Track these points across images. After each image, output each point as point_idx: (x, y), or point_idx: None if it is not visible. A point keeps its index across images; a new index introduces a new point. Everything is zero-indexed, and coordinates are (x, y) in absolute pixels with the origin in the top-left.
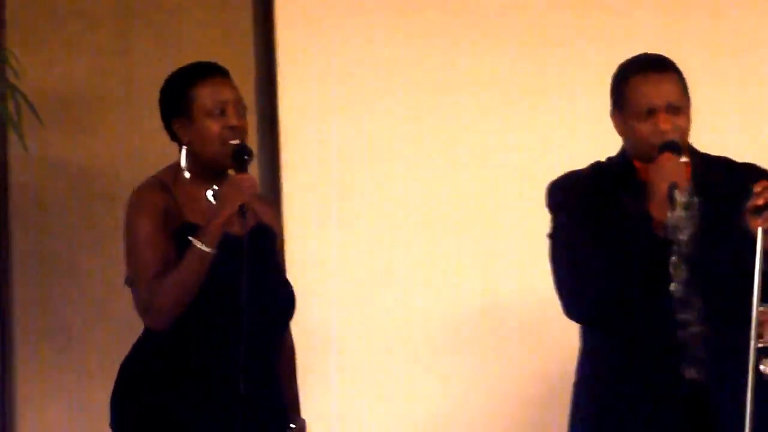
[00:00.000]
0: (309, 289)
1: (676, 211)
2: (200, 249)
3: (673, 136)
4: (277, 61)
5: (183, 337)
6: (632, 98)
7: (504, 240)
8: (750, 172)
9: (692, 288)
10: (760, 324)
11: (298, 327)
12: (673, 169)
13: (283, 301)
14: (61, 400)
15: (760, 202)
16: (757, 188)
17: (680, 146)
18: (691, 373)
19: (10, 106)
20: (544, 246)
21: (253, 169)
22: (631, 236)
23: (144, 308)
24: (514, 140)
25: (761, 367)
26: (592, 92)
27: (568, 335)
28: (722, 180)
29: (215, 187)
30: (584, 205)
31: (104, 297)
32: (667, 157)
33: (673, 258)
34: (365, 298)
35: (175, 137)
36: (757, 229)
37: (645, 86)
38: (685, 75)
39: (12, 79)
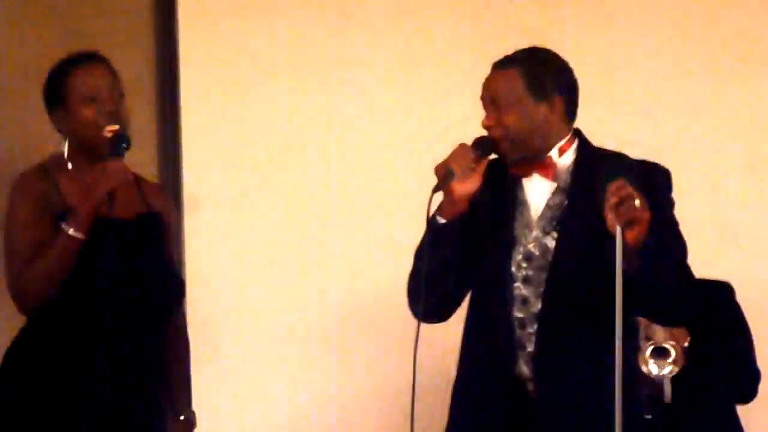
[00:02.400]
0: (205, 280)
1: (533, 206)
2: (69, 234)
3: (491, 134)
4: (178, 48)
5: (55, 322)
6: None
7: (388, 235)
8: (648, 171)
9: (534, 288)
10: (646, 326)
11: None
12: (456, 155)
13: (166, 288)
14: None
15: (613, 200)
16: (612, 187)
17: (483, 143)
18: (522, 371)
19: None
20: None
21: (153, 157)
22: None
23: (15, 292)
24: (394, 136)
25: (645, 367)
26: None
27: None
28: (601, 177)
29: None
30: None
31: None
32: (459, 146)
33: (518, 257)
34: (257, 290)
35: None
36: (614, 229)
37: (483, 83)
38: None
39: None
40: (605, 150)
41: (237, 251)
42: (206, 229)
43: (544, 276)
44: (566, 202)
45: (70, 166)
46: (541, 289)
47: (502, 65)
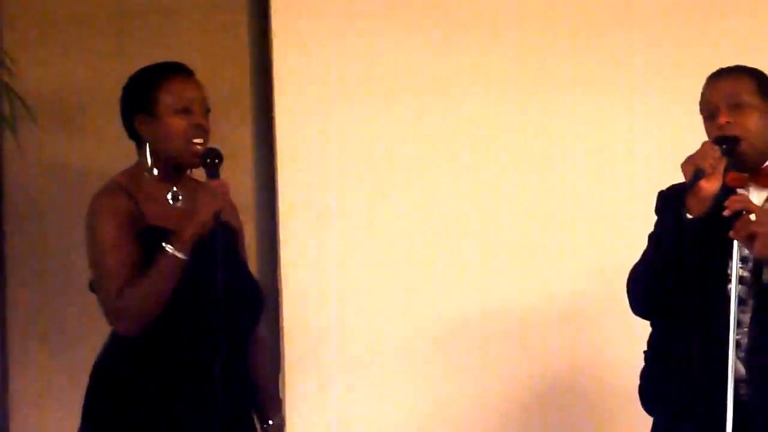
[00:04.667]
0: (306, 290)
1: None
2: (174, 255)
3: (729, 131)
4: (273, 62)
5: (155, 337)
6: (702, 100)
7: (501, 244)
8: None
9: (750, 288)
10: None
11: (295, 327)
12: (702, 154)
13: (253, 296)
14: (55, 400)
15: (726, 213)
16: (728, 201)
17: (727, 139)
18: (738, 369)
19: (6, 107)
20: (539, 252)
21: (249, 170)
22: (665, 223)
23: (114, 315)
24: (517, 142)
25: None
26: (594, 91)
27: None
28: None
29: (174, 188)
30: (668, 210)
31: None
32: (702, 145)
33: (732, 259)
34: (361, 298)
35: (134, 135)
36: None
37: (708, 88)
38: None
39: (7, 80)
40: None
41: (332, 264)
42: (302, 244)
43: (757, 277)
44: None
45: (156, 171)
46: (755, 290)
47: (730, 72)
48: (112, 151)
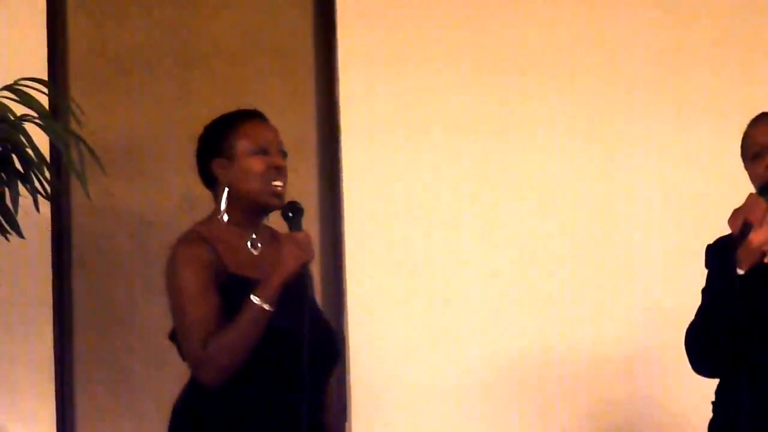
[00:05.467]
0: (371, 339)
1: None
2: (260, 306)
3: None
4: (339, 110)
5: (237, 387)
6: (746, 144)
7: (553, 290)
8: None
9: None
10: None
11: (360, 377)
12: (749, 206)
13: (331, 344)
14: None
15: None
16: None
17: None
18: None
19: (74, 154)
20: (593, 294)
21: (313, 219)
22: (717, 279)
23: (198, 366)
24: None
25: None
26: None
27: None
28: None
29: (254, 236)
30: (716, 264)
31: (164, 345)
32: (749, 197)
33: None
34: (422, 348)
35: (210, 182)
36: None
37: (755, 130)
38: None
39: (75, 127)
40: None
41: (398, 312)
42: (369, 289)
43: None
44: None
45: (226, 217)
46: None
47: None
48: (177, 198)
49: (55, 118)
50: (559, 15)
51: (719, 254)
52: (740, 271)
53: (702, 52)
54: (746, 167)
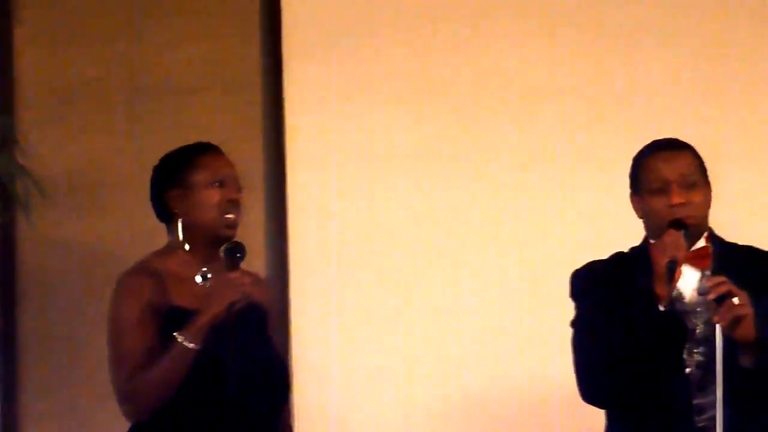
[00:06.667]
0: (315, 368)
1: (687, 294)
2: (184, 345)
3: (683, 213)
4: (285, 143)
5: (176, 423)
6: (645, 175)
7: (523, 328)
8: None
9: (709, 372)
10: None
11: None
12: (674, 244)
13: (279, 378)
14: None
15: (711, 297)
16: (710, 283)
17: (685, 224)
18: None
19: (19, 186)
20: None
21: (259, 252)
22: (636, 316)
23: (122, 398)
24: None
25: None
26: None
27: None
28: (745, 268)
29: (204, 269)
30: (603, 292)
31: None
32: (670, 233)
33: (688, 343)
34: (370, 383)
35: (163, 213)
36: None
37: (657, 162)
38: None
39: (20, 159)
40: (733, 243)
41: (344, 348)
42: (314, 324)
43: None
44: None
45: (187, 246)
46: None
47: (675, 146)
48: (125, 230)
49: (1, 149)
50: (512, 42)
51: (602, 283)
52: (661, 308)
53: (654, 96)
54: (640, 198)
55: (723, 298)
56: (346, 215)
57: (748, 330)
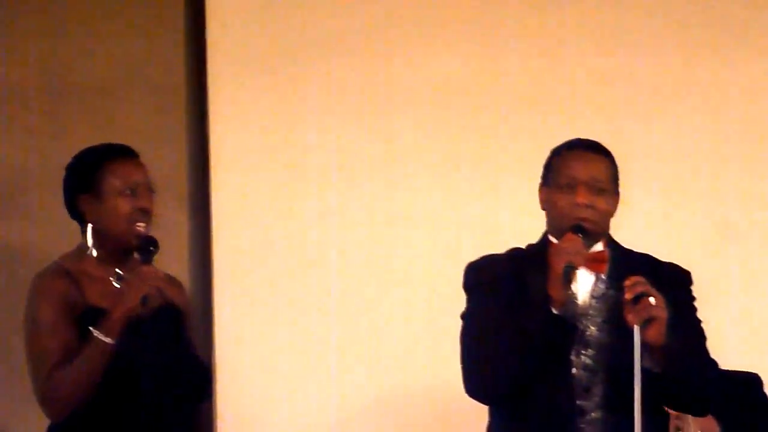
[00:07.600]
0: (240, 371)
1: (581, 296)
2: (100, 340)
3: (585, 214)
4: (209, 144)
5: (88, 422)
6: (557, 170)
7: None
8: (672, 271)
9: (594, 375)
10: (676, 417)
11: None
12: (573, 249)
13: (196, 375)
14: None
15: (628, 296)
16: (628, 282)
17: (585, 229)
18: None
19: None
20: None
21: (183, 254)
22: (529, 315)
23: (44, 397)
24: None
25: None
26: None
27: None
28: (641, 275)
29: (118, 270)
30: (496, 287)
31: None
32: (569, 237)
33: (576, 345)
34: (294, 385)
35: (76, 215)
36: (632, 326)
37: (572, 160)
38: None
39: None
40: (630, 250)
41: (268, 349)
42: (238, 325)
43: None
44: (611, 293)
45: (95, 253)
46: (601, 377)
47: (595, 149)
48: (47, 231)
49: None
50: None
51: (496, 278)
52: (555, 311)
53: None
54: (548, 190)
55: (639, 298)
56: (269, 216)
57: (659, 333)
